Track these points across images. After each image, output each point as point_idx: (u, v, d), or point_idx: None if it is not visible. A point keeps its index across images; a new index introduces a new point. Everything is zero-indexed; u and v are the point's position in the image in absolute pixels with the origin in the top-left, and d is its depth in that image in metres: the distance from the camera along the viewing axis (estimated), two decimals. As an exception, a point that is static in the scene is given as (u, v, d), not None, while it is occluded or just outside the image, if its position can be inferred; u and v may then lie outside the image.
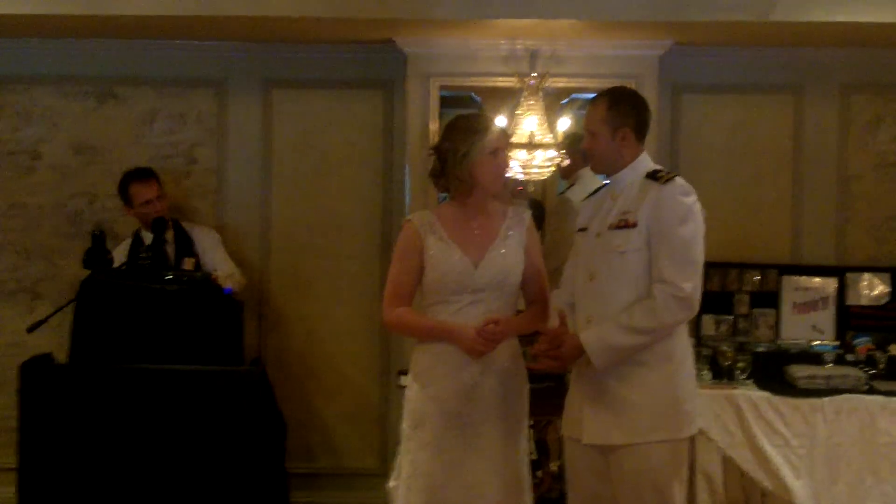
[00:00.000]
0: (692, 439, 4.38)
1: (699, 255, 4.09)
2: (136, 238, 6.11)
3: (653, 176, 4.17)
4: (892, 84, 6.53)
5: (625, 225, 4.13)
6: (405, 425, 4.29)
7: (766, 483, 5.66)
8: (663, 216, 4.08)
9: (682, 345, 4.21)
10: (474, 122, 4.26)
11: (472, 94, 6.39)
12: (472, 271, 4.18)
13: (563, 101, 6.39)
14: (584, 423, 4.18)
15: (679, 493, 4.20)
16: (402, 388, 5.76)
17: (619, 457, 4.12)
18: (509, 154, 4.38)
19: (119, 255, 5.96)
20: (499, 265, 4.21)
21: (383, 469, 6.53)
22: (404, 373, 5.88)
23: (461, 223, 4.25)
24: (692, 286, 4.03)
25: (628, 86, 6.03)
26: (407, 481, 4.23)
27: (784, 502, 5.66)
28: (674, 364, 4.14)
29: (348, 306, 6.60)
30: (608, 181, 4.38)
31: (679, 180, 4.16)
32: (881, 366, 5.99)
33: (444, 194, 4.47)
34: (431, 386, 4.24)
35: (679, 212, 4.08)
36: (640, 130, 4.29)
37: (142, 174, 6.13)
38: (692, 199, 4.13)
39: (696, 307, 4.09)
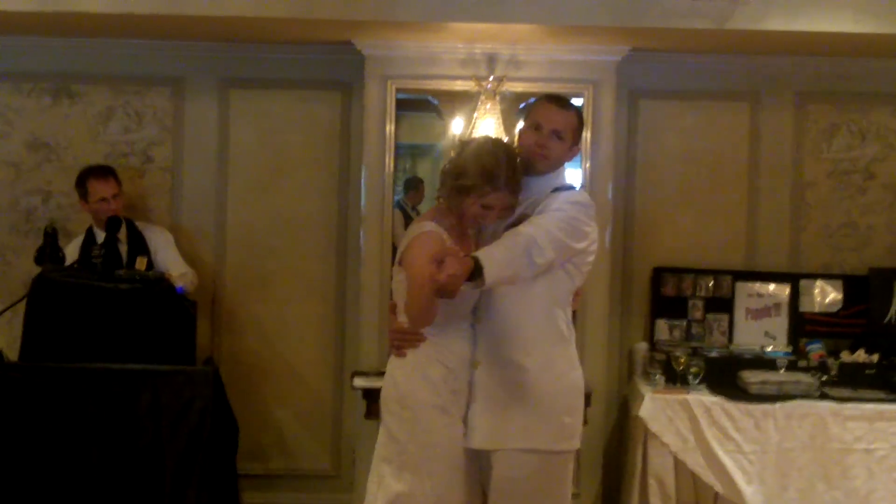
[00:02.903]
0: (578, 455, 4.36)
1: (564, 240, 4.03)
2: (89, 236, 6.07)
3: (558, 189, 4.19)
4: (847, 93, 6.58)
5: (515, 222, 4.11)
6: (413, 449, 4.05)
7: (718, 487, 5.71)
8: (547, 207, 4.09)
9: (568, 357, 4.19)
10: (497, 169, 4.06)
11: (430, 97, 6.37)
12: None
13: (521, 105, 6.37)
14: (469, 427, 4.12)
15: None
16: (357, 389, 5.82)
17: (491, 461, 4.10)
18: (499, 212, 4.15)
19: (71, 252, 5.94)
20: None
21: (336, 471, 6.57)
22: (358, 374, 5.91)
23: (461, 243, 4.15)
24: (546, 257, 3.96)
25: (586, 91, 6.11)
26: None
27: (736, 506, 5.72)
28: (554, 374, 4.12)
29: (303, 307, 6.58)
30: None
31: (577, 192, 4.23)
32: (833, 372, 6.04)
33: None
34: (450, 411, 4.09)
35: (563, 202, 4.09)
36: None
37: (101, 171, 6.10)
38: (584, 206, 4.15)
39: (535, 269, 3.97)
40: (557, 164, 4.24)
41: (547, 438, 4.11)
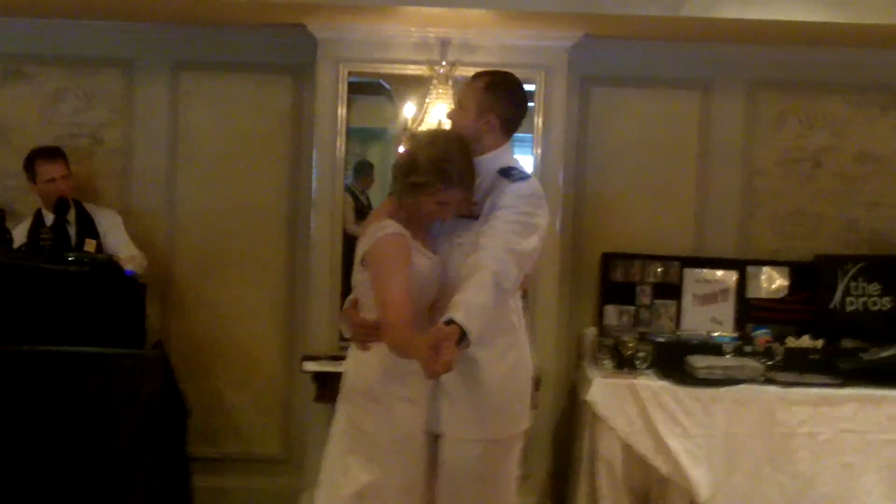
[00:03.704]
0: (526, 435, 4.33)
1: (522, 247, 3.99)
2: (37, 218, 6.02)
3: (505, 173, 4.08)
4: (797, 81, 6.62)
5: (468, 214, 4.07)
6: (384, 440, 4.04)
7: (666, 471, 5.74)
8: (497, 203, 4.02)
9: (517, 346, 4.18)
10: (450, 165, 3.97)
11: (382, 81, 6.36)
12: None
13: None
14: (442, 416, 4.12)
15: (504, 487, 4.23)
16: (306, 373, 5.82)
17: (442, 446, 4.12)
18: (455, 208, 4.09)
19: (19, 234, 5.89)
20: None
21: (287, 455, 6.56)
22: (308, 358, 5.91)
23: (419, 236, 4.10)
24: (513, 276, 3.95)
25: (538, 76, 6.11)
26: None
27: (683, 490, 5.74)
28: (505, 365, 4.11)
29: (255, 290, 6.57)
30: None
31: (527, 183, 4.09)
32: (779, 357, 6.12)
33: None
34: (418, 400, 4.07)
35: (513, 198, 4.01)
36: (508, 124, 4.19)
37: (49, 153, 6.06)
38: (533, 197, 4.07)
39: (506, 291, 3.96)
40: (473, 139, 4.09)
41: (497, 427, 4.13)
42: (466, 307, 3.79)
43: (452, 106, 5.88)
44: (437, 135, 4.30)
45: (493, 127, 4.14)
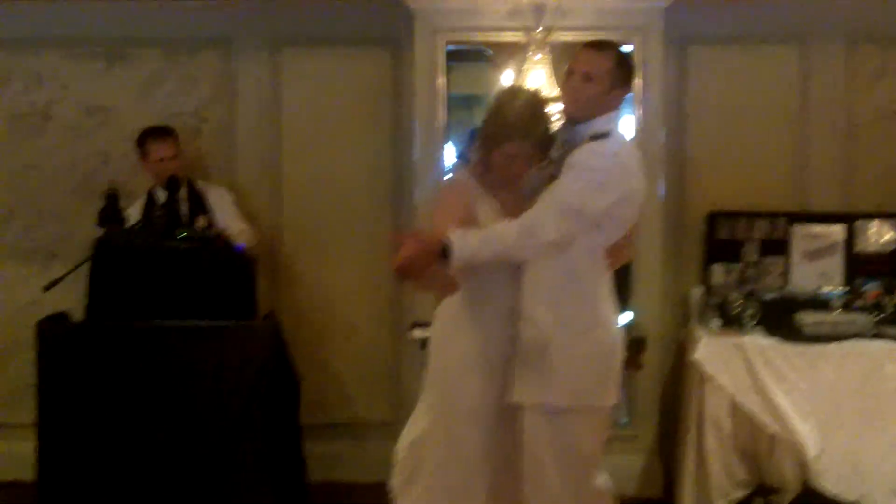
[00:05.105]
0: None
1: (580, 203, 4.02)
2: (150, 197, 6.16)
3: (594, 137, 4.13)
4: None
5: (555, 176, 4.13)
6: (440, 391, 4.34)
7: (774, 428, 5.71)
8: (571, 161, 4.08)
9: (593, 315, 4.18)
10: (512, 118, 4.14)
11: (485, 47, 6.37)
12: None
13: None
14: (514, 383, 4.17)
15: (585, 463, 4.21)
16: (416, 340, 5.89)
17: (521, 418, 4.15)
18: (525, 162, 4.20)
19: (133, 213, 6.02)
20: None
21: (395, 419, 6.59)
22: (418, 325, 5.97)
23: (496, 192, 4.24)
24: (554, 230, 4.00)
25: (635, 38, 6.09)
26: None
27: (791, 448, 5.72)
28: (572, 331, 4.11)
29: (359, 261, 6.64)
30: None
31: (608, 143, 4.13)
32: (889, 311, 6.06)
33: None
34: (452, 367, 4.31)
35: (587, 155, 4.08)
36: (624, 99, 4.33)
37: (160, 132, 6.20)
38: (608, 156, 4.11)
39: (546, 244, 4.03)
40: (594, 109, 4.17)
41: (571, 395, 4.12)
42: (464, 233, 3.95)
43: (552, 74, 5.95)
44: (508, 91, 4.56)
45: (617, 101, 4.25)
